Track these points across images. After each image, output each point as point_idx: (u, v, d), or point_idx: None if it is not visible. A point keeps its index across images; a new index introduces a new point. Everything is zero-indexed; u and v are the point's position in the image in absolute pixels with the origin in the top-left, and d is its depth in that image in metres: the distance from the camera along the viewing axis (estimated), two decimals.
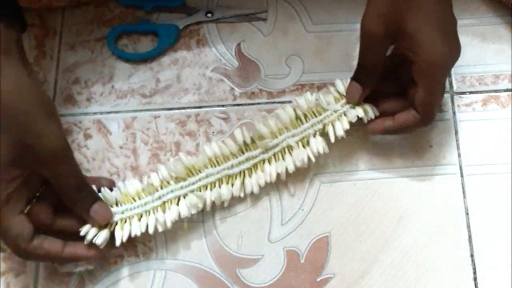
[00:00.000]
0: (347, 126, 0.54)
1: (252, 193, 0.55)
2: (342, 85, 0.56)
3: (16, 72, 0.46)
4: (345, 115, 0.55)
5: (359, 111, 0.54)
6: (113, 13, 0.64)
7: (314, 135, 0.55)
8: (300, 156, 0.54)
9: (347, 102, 0.55)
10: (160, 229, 0.52)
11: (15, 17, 0.49)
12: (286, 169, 0.54)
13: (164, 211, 0.53)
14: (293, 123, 0.55)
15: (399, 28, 0.50)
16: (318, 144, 0.54)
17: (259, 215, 0.56)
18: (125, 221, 0.52)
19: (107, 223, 0.51)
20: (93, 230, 0.51)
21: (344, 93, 0.55)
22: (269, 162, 0.55)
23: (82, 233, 0.50)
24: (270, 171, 0.54)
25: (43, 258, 0.50)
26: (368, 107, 0.55)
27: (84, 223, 0.51)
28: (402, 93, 0.55)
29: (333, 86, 0.56)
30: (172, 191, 0.53)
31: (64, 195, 0.49)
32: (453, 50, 0.51)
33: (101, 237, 0.50)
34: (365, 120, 0.55)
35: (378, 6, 0.51)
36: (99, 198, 0.51)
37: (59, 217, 0.51)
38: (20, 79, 0.46)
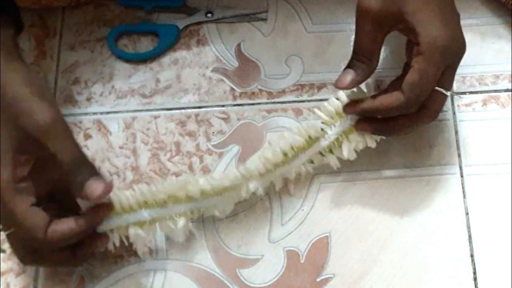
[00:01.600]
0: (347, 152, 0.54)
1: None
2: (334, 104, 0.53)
3: (7, 64, 0.47)
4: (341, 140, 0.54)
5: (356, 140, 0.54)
6: (113, 13, 0.64)
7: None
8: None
9: (336, 87, 0.52)
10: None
11: (12, 16, 0.50)
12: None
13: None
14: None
15: (400, 9, 0.49)
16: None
17: (259, 215, 0.56)
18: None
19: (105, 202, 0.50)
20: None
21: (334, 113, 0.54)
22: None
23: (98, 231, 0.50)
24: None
25: (61, 241, 0.48)
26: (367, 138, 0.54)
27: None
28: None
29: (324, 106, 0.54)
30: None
31: (65, 171, 0.47)
32: (456, 40, 0.50)
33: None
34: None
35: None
36: (98, 174, 0.48)
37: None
38: (4, 64, 0.47)
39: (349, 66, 0.52)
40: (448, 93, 0.51)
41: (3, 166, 0.46)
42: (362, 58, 0.51)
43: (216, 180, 0.51)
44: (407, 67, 0.52)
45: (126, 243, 0.52)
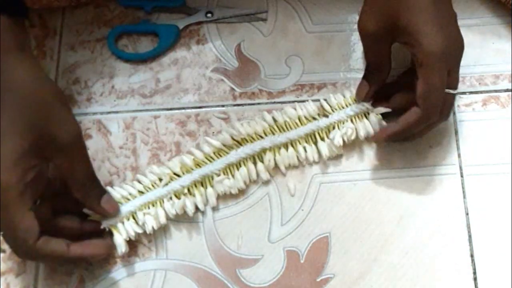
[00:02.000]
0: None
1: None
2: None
3: (30, 64, 0.49)
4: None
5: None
6: (113, 13, 0.64)
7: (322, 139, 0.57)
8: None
9: (356, 100, 0.57)
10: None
11: (21, 12, 0.50)
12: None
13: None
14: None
15: (395, 23, 0.51)
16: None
17: (259, 215, 0.56)
18: (133, 217, 0.54)
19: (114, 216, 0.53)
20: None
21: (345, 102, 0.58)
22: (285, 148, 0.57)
23: (103, 226, 0.53)
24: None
25: (47, 258, 0.50)
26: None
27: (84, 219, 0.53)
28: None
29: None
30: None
31: (76, 185, 0.50)
32: (452, 41, 0.51)
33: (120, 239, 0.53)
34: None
35: (371, 5, 0.52)
36: (107, 191, 0.53)
37: (59, 217, 0.52)
38: (35, 71, 0.49)
39: (364, 77, 0.56)
40: (456, 91, 0.53)
41: (13, 167, 0.46)
42: (372, 69, 0.55)
43: (206, 148, 0.56)
44: (409, 71, 0.56)
45: (139, 230, 0.53)
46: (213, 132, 0.59)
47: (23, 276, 0.54)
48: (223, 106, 0.60)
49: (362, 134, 0.56)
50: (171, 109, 0.61)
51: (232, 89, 0.61)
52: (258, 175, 0.56)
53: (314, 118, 0.57)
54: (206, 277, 0.54)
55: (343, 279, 0.54)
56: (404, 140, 0.57)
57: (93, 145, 0.59)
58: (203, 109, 0.60)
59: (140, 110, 0.60)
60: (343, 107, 0.57)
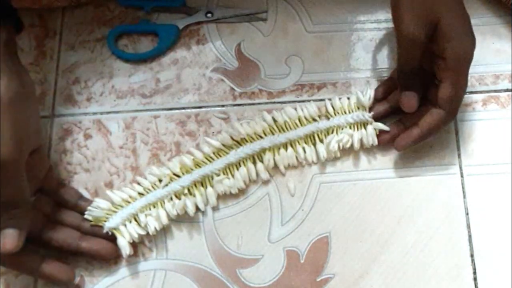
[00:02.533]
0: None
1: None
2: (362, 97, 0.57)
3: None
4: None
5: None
6: (113, 13, 0.64)
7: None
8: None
9: (406, 112, 0.54)
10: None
11: (8, 18, 0.49)
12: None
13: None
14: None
15: (435, 26, 0.50)
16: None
17: (259, 215, 0.56)
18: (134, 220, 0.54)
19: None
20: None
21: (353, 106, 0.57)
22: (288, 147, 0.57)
23: (105, 230, 0.53)
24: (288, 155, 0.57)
25: (18, 269, 0.51)
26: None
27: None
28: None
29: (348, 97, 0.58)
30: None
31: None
32: (474, 45, 0.52)
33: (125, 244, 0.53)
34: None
35: (411, 8, 0.50)
36: (19, 226, 0.48)
37: (60, 211, 0.52)
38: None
39: (404, 86, 0.53)
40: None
41: None
42: (413, 75, 0.53)
43: (207, 147, 0.56)
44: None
45: (142, 232, 0.53)
46: (213, 132, 0.59)
47: (23, 276, 0.54)
48: (223, 106, 0.60)
49: (356, 144, 0.56)
50: (171, 109, 0.61)
51: (232, 89, 0.61)
52: (258, 174, 0.56)
53: (314, 120, 0.57)
54: (206, 277, 0.54)
55: (343, 279, 0.54)
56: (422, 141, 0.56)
57: (93, 145, 0.59)
58: (203, 109, 0.60)
59: (140, 110, 0.60)
60: (345, 112, 0.57)
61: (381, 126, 0.56)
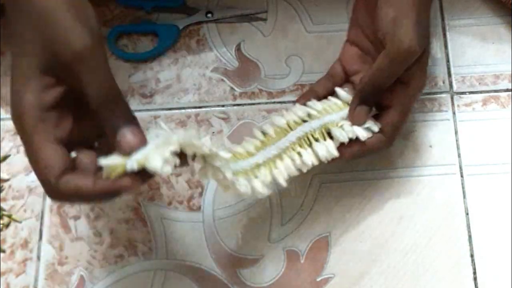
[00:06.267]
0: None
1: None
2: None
3: None
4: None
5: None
6: (113, 13, 0.64)
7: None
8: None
9: (353, 124, 0.51)
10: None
11: None
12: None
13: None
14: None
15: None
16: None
17: (259, 215, 0.56)
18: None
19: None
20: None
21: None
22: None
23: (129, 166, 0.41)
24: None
25: (71, 198, 0.43)
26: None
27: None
28: None
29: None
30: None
31: (92, 105, 0.42)
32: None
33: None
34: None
35: (418, 22, 0.48)
36: (133, 121, 0.43)
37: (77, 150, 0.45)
38: None
39: (363, 99, 0.50)
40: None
41: (28, 85, 0.41)
42: (379, 91, 0.50)
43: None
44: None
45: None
46: (213, 132, 0.59)
47: (23, 276, 0.55)
48: (223, 106, 0.60)
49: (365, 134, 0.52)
50: (171, 109, 0.61)
51: (232, 89, 0.61)
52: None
53: (304, 121, 0.52)
54: (206, 277, 0.54)
55: (343, 279, 0.54)
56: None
57: None
58: (203, 109, 0.60)
59: (140, 110, 0.60)
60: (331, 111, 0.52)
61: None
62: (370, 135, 0.51)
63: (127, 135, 0.41)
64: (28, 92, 0.41)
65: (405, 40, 0.47)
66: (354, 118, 0.51)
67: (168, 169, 0.41)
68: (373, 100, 0.51)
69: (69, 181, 0.41)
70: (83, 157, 0.44)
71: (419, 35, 0.48)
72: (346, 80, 0.56)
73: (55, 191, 0.41)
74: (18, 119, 0.41)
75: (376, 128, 0.51)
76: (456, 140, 0.59)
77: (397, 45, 0.48)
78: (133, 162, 0.41)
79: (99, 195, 0.42)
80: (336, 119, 0.51)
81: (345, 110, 0.52)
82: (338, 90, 0.53)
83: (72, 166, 0.42)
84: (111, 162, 0.41)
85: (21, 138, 0.41)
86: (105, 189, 0.41)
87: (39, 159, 0.41)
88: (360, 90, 0.50)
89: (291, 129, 0.51)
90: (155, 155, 0.41)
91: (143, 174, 0.41)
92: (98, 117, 0.42)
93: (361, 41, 0.55)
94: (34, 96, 0.41)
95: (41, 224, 0.57)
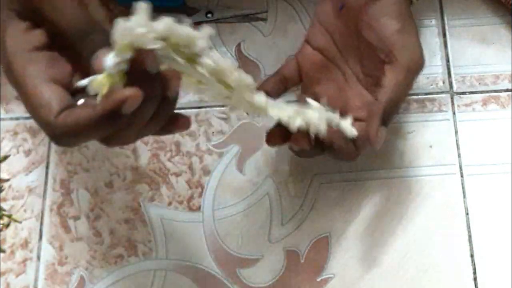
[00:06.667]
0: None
1: None
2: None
3: None
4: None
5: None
6: (113, 13, 0.64)
7: None
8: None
9: (375, 147, 0.48)
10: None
11: None
12: None
13: None
14: None
15: None
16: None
17: (259, 215, 0.56)
18: None
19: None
20: None
21: None
22: None
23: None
24: None
25: (76, 132, 0.38)
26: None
27: None
28: None
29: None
30: None
31: (74, 48, 0.39)
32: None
33: None
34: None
35: (414, 26, 0.49)
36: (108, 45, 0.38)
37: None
38: None
39: (384, 120, 0.48)
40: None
41: (7, 30, 0.39)
42: (398, 109, 0.49)
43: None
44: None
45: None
46: (213, 132, 0.59)
47: (23, 276, 0.55)
48: (223, 106, 0.60)
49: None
50: None
51: None
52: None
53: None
54: (206, 277, 0.54)
55: (343, 279, 0.54)
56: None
57: (93, 145, 0.59)
58: (203, 109, 0.60)
59: None
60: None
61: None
62: (354, 135, 0.48)
63: (103, 52, 0.38)
64: (9, 36, 0.40)
65: (416, 50, 0.48)
66: (377, 141, 0.48)
67: (153, 44, 0.39)
68: (392, 118, 0.49)
69: (69, 115, 0.38)
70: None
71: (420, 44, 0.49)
72: (296, 83, 0.54)
73: (57, 130, 0.38)
74: (6, 66, 0.39)
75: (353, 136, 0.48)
76: (456, 140, 0.59)
77: (410, 56, 0.48)
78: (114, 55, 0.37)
79: (104, 120, 0.38)
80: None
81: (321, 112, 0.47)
82: (311, 101, 0.48)
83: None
84: (92, 78, 0.37)
85: (14, 86, 0.40)
86: (107, 107, 0.37)
87: (33, 99, 0.39)
88: (383, 111, 0.47)
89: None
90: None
91: (139, 79, 0.38)
92: (79, 54, 0.39)
93: (328, 48, 0.52)
94: (16, 40, 0.39)
95: (41, 224, 0.57)
